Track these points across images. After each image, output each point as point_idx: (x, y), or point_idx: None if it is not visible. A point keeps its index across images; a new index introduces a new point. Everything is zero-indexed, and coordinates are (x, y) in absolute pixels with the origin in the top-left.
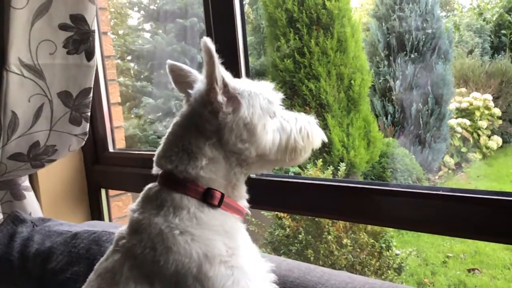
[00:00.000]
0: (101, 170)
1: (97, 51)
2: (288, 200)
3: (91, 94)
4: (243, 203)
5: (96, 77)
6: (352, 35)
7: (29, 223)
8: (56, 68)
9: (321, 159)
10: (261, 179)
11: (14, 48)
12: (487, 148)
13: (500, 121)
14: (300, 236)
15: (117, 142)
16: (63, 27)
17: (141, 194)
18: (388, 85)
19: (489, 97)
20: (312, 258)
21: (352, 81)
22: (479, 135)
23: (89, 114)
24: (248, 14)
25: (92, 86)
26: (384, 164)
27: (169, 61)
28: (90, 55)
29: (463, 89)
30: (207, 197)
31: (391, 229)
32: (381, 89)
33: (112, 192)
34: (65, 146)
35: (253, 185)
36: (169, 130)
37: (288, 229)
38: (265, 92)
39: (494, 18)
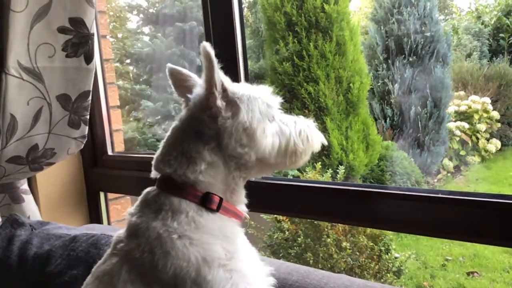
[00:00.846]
0: (100, 173)
1: (96, 54)
2: (287, 203)
3: (90, 97)
4: (242, 208)
5: (95, 80)
6: (350, 39)
7: (27, 226)
8: (55, 71)
9: (320, 162)
10: (260, 182)
11: (13, 51)
12: (486, 151)
13: (499, 124)
14: (299, 239)
15: (116, 145)
16: (62, 30)
17: (140, 197)
18: (387, 88)
19: (487, 100)
20: (311, 261)
21: (351, 84)
22: (477, 138)
23: (88, 117)
24: (247, 17)
25: (91, 89)
26: (383, 167)
27: (169, 65)
28: (89, 58)
29: (462, 92)
30: (206, 202)
31: (390, 232)
32: (379, 92)
33: (111, 196)
34: (64, 149)
35: (252, 188)
36: (168, 134)
37: (287, 232)
38: (264, 96)
39: (492, 22)
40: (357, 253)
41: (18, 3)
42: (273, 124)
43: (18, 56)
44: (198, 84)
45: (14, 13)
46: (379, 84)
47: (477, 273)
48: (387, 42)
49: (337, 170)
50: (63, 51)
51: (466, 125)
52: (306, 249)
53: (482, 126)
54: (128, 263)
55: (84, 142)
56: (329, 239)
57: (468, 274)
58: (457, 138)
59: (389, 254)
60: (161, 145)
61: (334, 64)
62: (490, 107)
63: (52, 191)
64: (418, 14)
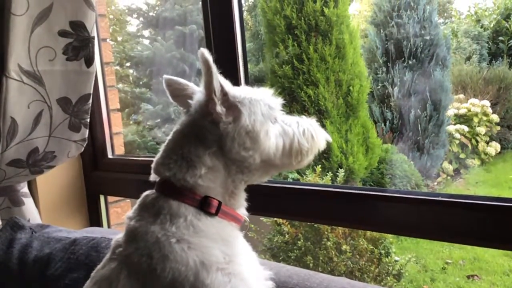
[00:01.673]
0: (100, 176)
1: (97, 58)
2: (287, 206)
3: (90, 101)
4: (242, 211)
5: (95, 83)
6: (350, 42)
7: (27, 230)
8: (56, 75)
9: (320, 165)
10: (260, 186)
11: (14, 54)
12: (486, 154)
13: (498, 127)
14: (299, 242)
15: (116, 148)
16: (62, 33)
17: (138, 201)
18: (387, 91)
19: (487, 103)
20: (311, 265)
21: (351, 88)
22: (477, 141)
23: (88, 120)
24: (247, 20)
25: (91, 92)
26: (383, 170)
27: (166, 76)
28: (89, 62)
29: (461, 96)
30: (204, 205)
31: (390, 235)
32: (379, 95)
33: (111, 199)
34: (64, 152)
35: (251, 191)
36: (168, 138)
37: (287, 236)
38: (266, 98)
39: (491, 25)
40: (357, 256)
41: (18, 6)
42: (276, 125)
43: (19, 59)
44: (198, 91)
45: (14, 17)
46: (378, 87)
47: (477, 276)
48: (386, 46)
49: (337, 173)
50: (63, 55)
51: (466, 128)
52: (306, 252)
53: (481, 129)
54: (127, 267)
55: (84, 145)
56: (329, 242)
57: (468, 277)
58: (457, 141)
59: (389, 257)
60: (161, 148)
61: (333, 67)
62: (489, 110)
63: (52, 194)
64: (418, 18)
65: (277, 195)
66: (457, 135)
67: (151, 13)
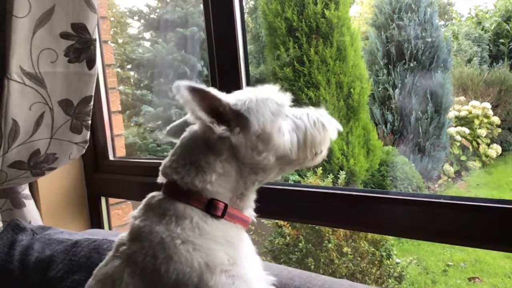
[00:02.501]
0: (101, 178)
1: (98, 60)
2: (288, 209)
3: (91, 103)
4: (249, 212)
5: (96, 85)
6: (351, 44)
7: (29, 231)
8: (57, 77)
9: (321, 168)
10: (261, 187)
11: (16, 56)
12: (487, 156)
13: (499, 130)
14: (300, 244)
15: (117, 150)
16: (64, 35)
17: (143, 201)
18: (388, 93)
19: (488, 105)
20: (312, 267)
21: (352, 90)
22: (478, 144)
23: (89, 122)
24: (248, 23)
25: (93, 94)
26: (384, 172)
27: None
28: (91, 64)
29: (462, 98)
30: (210, 208)
31: (391, 237)
32: (380, 97)
33: (112, 200)
34: (66, 154)
35: None
36: (177, 144)
37: (288, 238)
38: (273, 96)
39: (492, 27)
40: (358, 258)
41: (20, 8)
42: (288, 120)
43: (21, 61)
44: None
45: (16, 19)
46: (379, 89)
47: (478, 278)
48: (387, 48)
49: (338, 175)
50: (65, 57)
51: (467, 130)
52: (307, 254)
53: (482, 131)
54: (131, 266)
55: (86, 147)
56: (330, 244)
57: (469, 279)
58: (458, 143)
59: (390, 259)
60: (170, 152)
61: (334, 70)
62: (490, 112)
63: (54, 196)
64: (419, 20)
65: (278, 197)
66: (458, 137)
67: (152, 15)
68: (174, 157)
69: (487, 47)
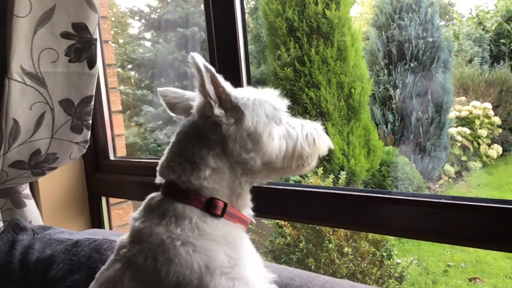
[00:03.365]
0: (102, 178)
1: (99, 60)
2: (288, 208)
3: (92, 102)
4: (248, 212)
5: (97, 85)
6: (352, 44)
7: (29, 231)
8: (58, 76)
9: (321, 168)
10: (261, 187)
11: (16, 56)
12: (487, 156)
13: (500, 130)
14: (300, 244)
15: (118, 150)
16: (65, 35)
17: (143, 203)
18: (388, 93)
19: (488, 105)
20: (313, 267)
21: (352, 90)
22: (479, 144)
23: (90, 122)
24: (248, 23)
25: (93, 94)
26: (385, 172)
27: (160, 89)
28: (92, 64)
29: (463, 98)
30: (210, 207)
31: (392, 237)
32: (381, 97)
33: (112, 200)
34: (66, 154)
35: (253, 193)
36: (172, 140)
37: (288, 238)
38: (271, 99)
39: (493, 28)
40: (359, 258)
41: (21, 8)
42: (280, 127)
43: (21, 61)
44: (195, 95)
45: (17, 18)
46: (380, 89)
47: (479, 279)
48: (388, 48)
49: (339, 176)
50: (66, 56)
51: (468, 131)
52: (307, 255)
53: (483, 132)
54: (131, 269)
55: (86, 147)
56: (331, 245)
57: (470, 280)
58: (459, 144)
59: (391, 259)
60: (166, 150)
61: (335, 70)
62: (491, 112)
63: (54, 196)
64: (419, 20)
65: (278, 197)
66: (459, 138)
67: (152, 15)
68: (169, 155)
69: (488, 47)
